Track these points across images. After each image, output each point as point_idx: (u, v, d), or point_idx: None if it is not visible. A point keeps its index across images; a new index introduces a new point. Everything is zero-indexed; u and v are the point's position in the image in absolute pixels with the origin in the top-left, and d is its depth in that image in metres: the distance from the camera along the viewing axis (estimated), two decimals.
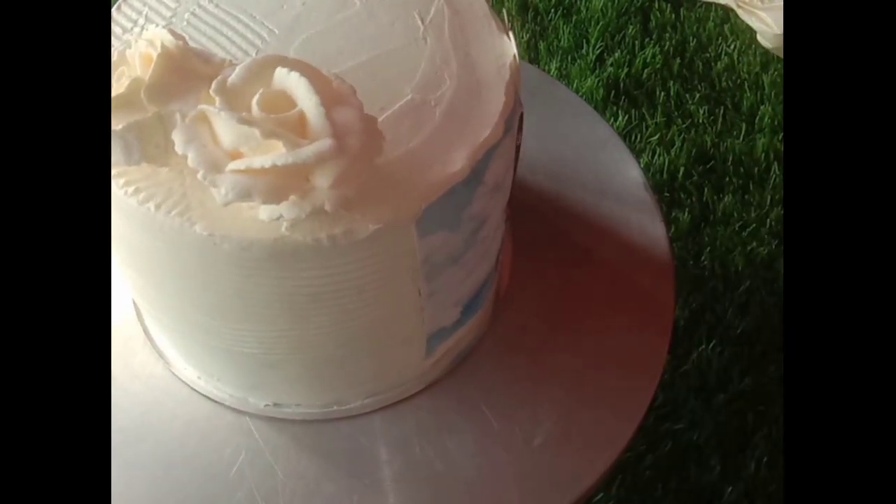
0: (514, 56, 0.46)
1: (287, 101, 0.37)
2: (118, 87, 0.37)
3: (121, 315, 0.57)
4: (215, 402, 0.55)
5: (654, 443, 0.86)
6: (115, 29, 0.47)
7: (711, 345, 0.87)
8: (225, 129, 0.36)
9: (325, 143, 0.36)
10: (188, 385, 0.55)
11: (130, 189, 0.40)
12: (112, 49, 0.41)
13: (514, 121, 0.46)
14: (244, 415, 0.54)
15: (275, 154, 0.35)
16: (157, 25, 0.46)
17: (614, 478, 0.84)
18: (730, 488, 0.82)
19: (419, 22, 0.47)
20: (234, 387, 0.54)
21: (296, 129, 0.37)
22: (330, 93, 0.38)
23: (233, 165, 0.36)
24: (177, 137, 0.36)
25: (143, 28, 0.46)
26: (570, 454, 0.52)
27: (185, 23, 0.47)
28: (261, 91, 0.37)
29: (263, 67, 0.38)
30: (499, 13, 0.48)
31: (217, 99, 0.36)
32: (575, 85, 0.77)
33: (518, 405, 0.55)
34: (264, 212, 0.38)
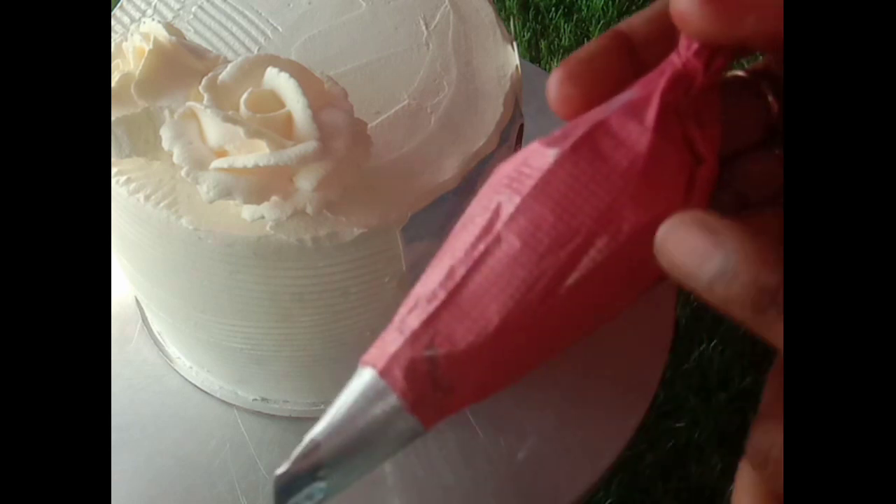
0: (517, 67, 0.46)
1: (276, 101, 0.37)
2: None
3: (119, 299, 0.58)
4: (205, 392, 0.55)
5: (654, 441, 0.85)
6: (123, 19, 0.47)
7: (713, 343, 0.87)
8: (211, 126, 0.36)
9: (309, 146, 0.36)
10: (180, 374, 0.56)
11: (122, 179, 0.41)
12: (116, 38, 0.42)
13: (511, 132, 0.45)
14: (232, 407, 0.55)
15: (258, 154, 0.35)
16: (165, 18, 0.47)
17: (614, 476, 0.83)
18: (731, 487, 0.81)
19: (423, 27, 0.47)
20: (224, 379, 0.54)
21: (282, 130, 0.37)
22: (320, 95, 0.38)
23: (216, 163, 0.36)
24: (164, 133, 0.36)
25: (151, 19, 0.47)
26: (551, 471, 0.52)
27: (191, 16, 0.47)
28: (250, 90, 0.37)
29: (255, 66, 0.38)
30: (500, 12, 0.48)
31: (205, 96, 0.36)
32: None
33: (506, 416, 0.54)
34: (247, 211, 0.38)
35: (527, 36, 0.80)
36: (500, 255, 0.22)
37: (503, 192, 0.22)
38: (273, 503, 0.23)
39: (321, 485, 0.23)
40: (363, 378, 0.23)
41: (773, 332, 0.20)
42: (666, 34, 0.23)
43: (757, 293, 0.20)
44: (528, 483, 0.51)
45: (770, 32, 0.21)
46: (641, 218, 0.22)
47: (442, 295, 0.22)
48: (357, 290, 0.43)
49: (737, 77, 0.27)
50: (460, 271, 0.22)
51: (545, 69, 0.77)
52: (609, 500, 0.83)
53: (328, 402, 0.57)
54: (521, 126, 0.47)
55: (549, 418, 0.54)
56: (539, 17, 0.81)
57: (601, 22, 0.80)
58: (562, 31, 0.79)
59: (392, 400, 0.22)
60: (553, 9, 0.81)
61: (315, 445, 0.23)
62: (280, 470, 0.23)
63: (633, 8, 0.82)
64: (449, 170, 0.42)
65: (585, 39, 0.79)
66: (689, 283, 0.21)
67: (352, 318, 0.46)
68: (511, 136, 0.45)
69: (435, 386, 0.22)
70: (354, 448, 0.23)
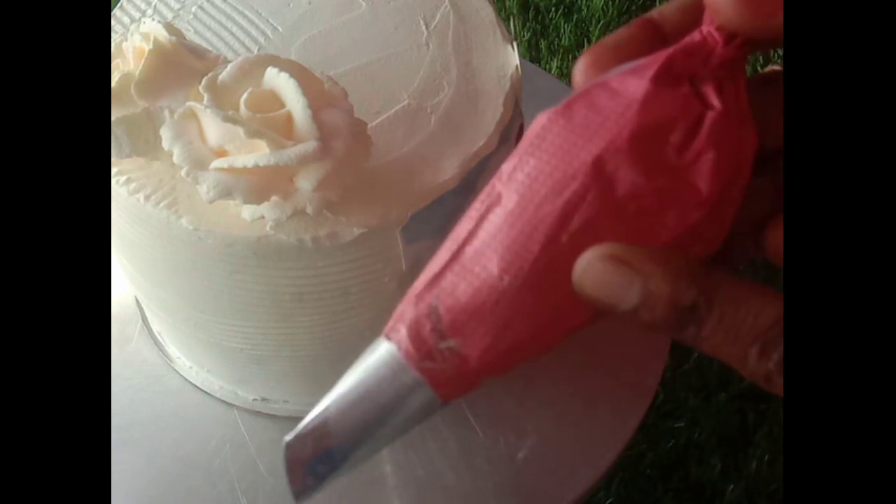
0: (516, 67, 0.46)
1: (276, 101, 0.37)
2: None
3: (119, 299, 0.58)
4: (205, 392, 0.55)
5: (654, 441, 0.85)
6: (123, 19, 0.47)
7: None
8: (211, 126, 0.36)
9: (309, 146, 0.36)
10: (180, 374, 0.56)
11: (122, 179, 0.41)
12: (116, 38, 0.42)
13: (511, 132, 0.45)
14: (232, 407, 0.55)
15: (258, 154, 0.35)
16: (165, 18, 0.47)
17: (614, 476, 0.83)
18: (731, 486, 0.82)
19: (423, 27, 0.47)
20: (224, 379, 0.54)
21: (282, 130, 0.37)
22: (320, 95, 0.38)
23: (216, 163, 0.36)
24: (164, 133, 0.36)
25: (151, 19, 0.47)
26: (551, 471, 0.52)
27: (191, 16, 0.47)
28: (250, 90, 0.37)
29: (255, 66, 0.38)
30: (500, 12, 0.48)
31: (205, 96, 0.36)
32: None
33: (506, 416, 0.54)
34: (247, 211, 0.38)
35: (527, 36, 0.80)
36: (499, 211, 0.22)
37: (507, 161, 0.23)
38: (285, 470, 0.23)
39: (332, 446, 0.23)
40: (375, 346, 0.24)
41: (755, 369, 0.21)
42: (698, 24, 0.23)
43: (678, 312, 0.21)
44: (528, 483, 0.51)
45: None
46: (639, 162, 0.21)
47: (447, 257, 0.22)
48: (357, 290, 0.43)
49: (776, 72, 0.27)
50: (463, 234, 0.22)
51: (545, 69, 0.77)
52: (609, 500, 0.83)
53: None
54: (521, 126, 0.47)
55: (548, 418, 0.54)
56: (539, 17, 0.82)
57: (601, 22, 0.80)
58: (562, 31, 0.79)
59: (397, 357, 0.22)
60: (553, 9, 0.82)
61: (323, 407, 0.24)
62: (288, 437, 0.23)
63: (633, 7, 0.82)
64: (449, 170, 0.42)
65: (585, 39, 0.79)
66: (615, 313, 0.22)
67: (352, 318, 0.46)
68: (511, 136, 0.45)
69: (440, 340, 0.22)
70: (361, 408, 0.23)
